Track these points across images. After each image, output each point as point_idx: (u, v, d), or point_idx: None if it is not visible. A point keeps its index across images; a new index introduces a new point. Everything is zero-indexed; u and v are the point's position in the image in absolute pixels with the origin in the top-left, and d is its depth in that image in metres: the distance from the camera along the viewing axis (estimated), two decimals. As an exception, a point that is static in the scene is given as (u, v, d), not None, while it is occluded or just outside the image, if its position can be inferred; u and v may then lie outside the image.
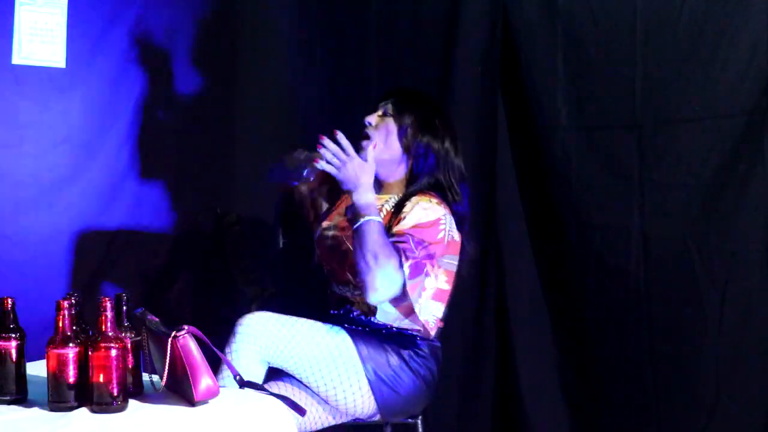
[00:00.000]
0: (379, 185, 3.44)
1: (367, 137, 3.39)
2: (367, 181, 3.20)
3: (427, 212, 3.26)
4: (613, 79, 3.77)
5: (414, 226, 3.22)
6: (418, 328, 3.33)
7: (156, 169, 4.01)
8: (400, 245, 3.16)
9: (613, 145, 3.79)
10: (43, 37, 3.57)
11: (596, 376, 3.94)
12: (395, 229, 3.23)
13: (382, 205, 3.36)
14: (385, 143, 3.39)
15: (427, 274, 3.20)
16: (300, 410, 2.84)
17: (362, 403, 3.23)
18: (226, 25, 4.30)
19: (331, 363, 3.18)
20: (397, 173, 3.44)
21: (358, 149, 3.29)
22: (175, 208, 4.08)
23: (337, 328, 3.24)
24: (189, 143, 4.13)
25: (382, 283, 3.11)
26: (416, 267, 3.17)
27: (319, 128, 4.35)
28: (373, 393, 3.23)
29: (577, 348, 3.99)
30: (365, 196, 3.18)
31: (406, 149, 3.38)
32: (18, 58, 3.52)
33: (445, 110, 3.50)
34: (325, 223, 3.49)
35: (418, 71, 4.24)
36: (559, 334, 4.04)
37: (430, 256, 3.21)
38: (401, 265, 3.12)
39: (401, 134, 3.37)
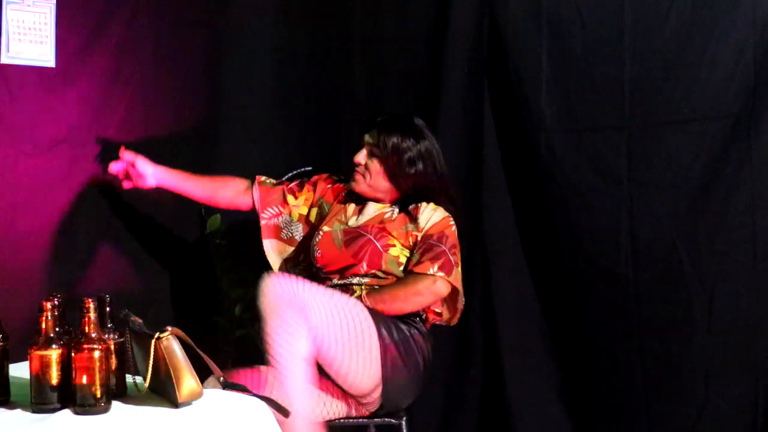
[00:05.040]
0: (375, 200, 3.64)
1: (359, 174, 3.60)
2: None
3: (436, 212, 3.53)
4: (602, 81, 3.78)
5: (432, 226, 3.49)
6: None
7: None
8: (431, 251, 3.43)
9: (602, 147, 3.80)
10: (31, 36, 3.57)
11: (586, 376, 3.95)
12: (421, 233, 3.49)
13: (392, 209, 3.60)
14: (374, 182, 3.58)
15: (456, 264, 3.46)
16: (284, 411, 2.86)
17: (368, 371, 3.30)
18: (211, 28, 4.29)
19: (344, 320, 3.27)
20: (389, 197, 3.63)
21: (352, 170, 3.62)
22: (162, 211, 4.07)
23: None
24: (176, 145, 4.13)
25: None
26: (446, 263, 3.42)
27: (304, 130, 4.40)
28: (381, 357, 3.31)
29: (565, 348, 4.00)
30: None
31: (396, 185, 3.57)
32: (5, 57, 3.51)
33: (430, 129, 3.65)
34: (325, 228, 3.61)
35: (404, 70, 4.26)
36: (547, 335, 4.05)
37: (454, 245, 3.49)
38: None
39: (390, 175, 3.56)
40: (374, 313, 3.34)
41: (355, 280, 3.49)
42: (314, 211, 3.74)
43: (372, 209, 3.61)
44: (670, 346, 3.73)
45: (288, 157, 4.26)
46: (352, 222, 3.61)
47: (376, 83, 4.28)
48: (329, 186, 3.76)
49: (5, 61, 3.51)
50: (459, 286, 3.45)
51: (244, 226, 3.94)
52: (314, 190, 3.76)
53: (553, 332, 4.04)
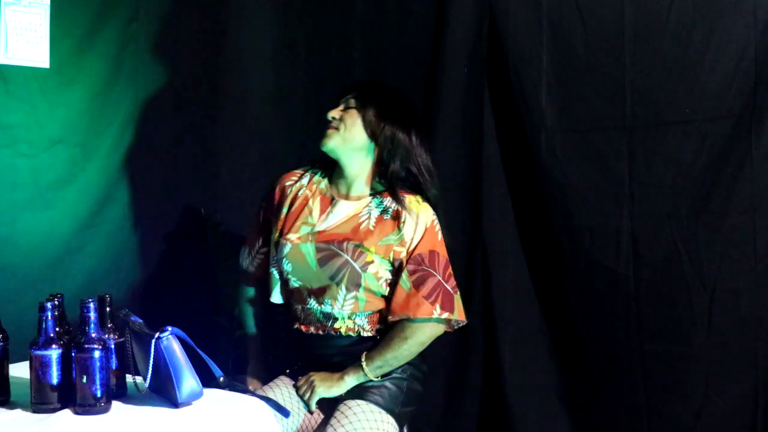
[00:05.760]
0: (347, 183, 3.41)
1: (332, 128, 3.36)
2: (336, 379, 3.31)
3: (420, 217, 3.32)
4: (602, 81, 3.76)
5: (421, 243, 3.30)
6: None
7: (146, 172, 4.01)
8: (424, 284, 3.27)
9: (603, 147, 3.79)
10: (27, 36, 3.57)
11: (585, 377, 3.94)
12: (408, 251, 3.30)
13: (368, 212, 3.36)
14: (349, 133, 3.33)
15: (455, 291, 3.35)
16: (284, 411, 2.85)
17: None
18: (211, 26, 4.30)
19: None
20: (364, 165, 3.39)
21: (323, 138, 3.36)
22: (162, 210, 4.08)
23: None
24: (176, 145, 4.14)
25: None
26: (447, 298, 3.30)
27: (304, 130, 4.40)
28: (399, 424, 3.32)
29: (565, 348, 4.00)
30: (350, 380, 3.30)
31: (372, 137, 3.33)
32: (3, 57, 3.52)
33: (410, 102, 3.50)
34: (292, 236, 3.37)
35: (405, 70, 4.24)
36: (547, 335, 4.04)
37: (447, 262, 3.35)
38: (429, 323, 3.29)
39: (366, 124, 3.33)
40: (379, 392, 3.29)
41: (335, 310, 3.30)
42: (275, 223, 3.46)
43: (343, 209, 3.37)
44: (670, 346, 3.72)
45: (288, 157, 4.26)
46: (321, 225, 3.34)
47: (376, 83, 4.27)
48: (285, 193, 3.45)
49: (3, 61, 3.52)
50: (462, 314, 3.36)
51: (245, 226, 3.94)
52: (269, 209, 3.49)
53: (553, 332, 4.04)
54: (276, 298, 3.42)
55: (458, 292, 3.37)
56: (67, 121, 3.75)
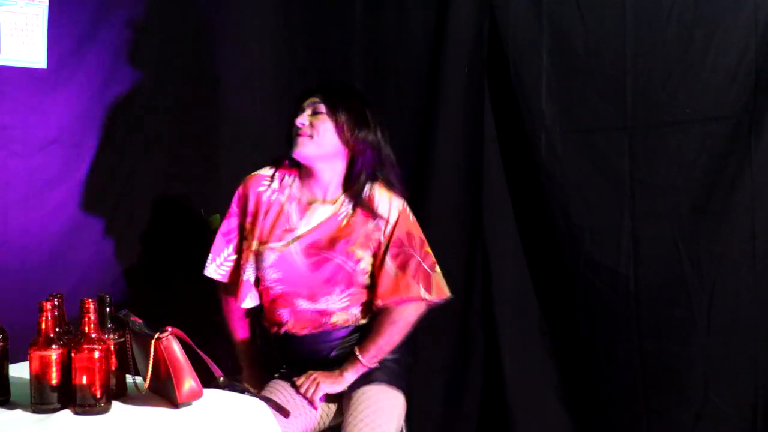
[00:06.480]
0: (322, 188, 3.38)
1: (304, 135, 3.30)
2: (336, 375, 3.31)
3: (392, 205, 3.32)
4: (603, 81, 3.78)
5: (396, 226, 3.30)
6: None
7: (143, 171, 4.01)
8: (408, 265, 3.28)
9: (604, 147, 3.80)
10: (23, 37, 3.57)
11: (585, 376, 3.95)
12: (393, 238, 3.29)
13: (345, 210, 3.34)
14: (323, 140, 3.29)
15: (432, 269, 3.33)
16: (284, 412, 2.85)
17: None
18: (211, 27, 4.29)
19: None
20: (337, 169, 3.35)
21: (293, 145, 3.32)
22: (161, 210, 4.07)
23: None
24: (175, 145, 4.13)
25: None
26: (426, 277, 3.30)
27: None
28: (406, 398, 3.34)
29: (565, 348, 4.00)
30: (350, 376, 3.30)
31: (346, 144, 3.30)
32: (-1, 59, 3.53)
33: (373, 102, 3.44)
34: (276, 245, 3.35)
35: (405, 70, 4.25)
36: (547, 335, 4.05)
37: (422, 241, 3.34)
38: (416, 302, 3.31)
39: (339, 130, 3.28)
40: (378, 378, 3.31)
41: (331, 306, 3.31)
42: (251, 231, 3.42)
43: (322, 212, 3.34)
44: (669, 347, 3.73)
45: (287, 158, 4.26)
46: (303, 228, 3.32)
47: (376, 83, 4.26)
48: (261, 200, 3.40)
49: (-2, 62, 3.53)
50: (444, 290, 3.35)
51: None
52: (242, 216, 3.44)
53: (553, 332, 4.04)
54: (248, 303, 3.43)
55: (436, 270, 3.34)
56: (63, 122, 3.75)
